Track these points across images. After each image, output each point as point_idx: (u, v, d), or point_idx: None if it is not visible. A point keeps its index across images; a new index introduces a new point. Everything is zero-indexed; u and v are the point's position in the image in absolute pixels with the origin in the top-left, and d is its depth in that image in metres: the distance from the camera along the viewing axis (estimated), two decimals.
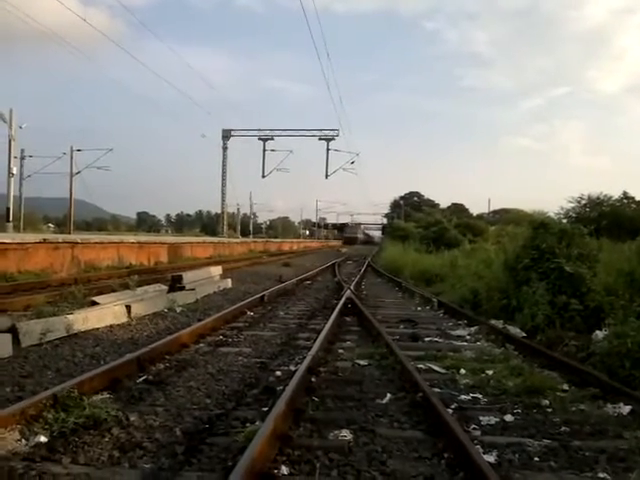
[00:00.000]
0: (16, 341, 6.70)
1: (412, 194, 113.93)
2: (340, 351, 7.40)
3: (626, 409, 4.96)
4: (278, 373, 6.09)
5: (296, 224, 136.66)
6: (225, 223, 55.88)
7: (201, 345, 7.52)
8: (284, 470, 3.54)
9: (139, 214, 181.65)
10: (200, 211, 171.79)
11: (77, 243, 18.82)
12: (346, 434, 4.23)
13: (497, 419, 4.73)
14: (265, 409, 4.65)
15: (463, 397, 5.40)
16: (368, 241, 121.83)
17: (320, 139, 49.92)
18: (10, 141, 34.62)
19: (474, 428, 4.51)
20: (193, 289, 12.56)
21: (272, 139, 51.09)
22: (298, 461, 3.71)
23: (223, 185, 52.87)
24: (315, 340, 7.32)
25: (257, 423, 4.22)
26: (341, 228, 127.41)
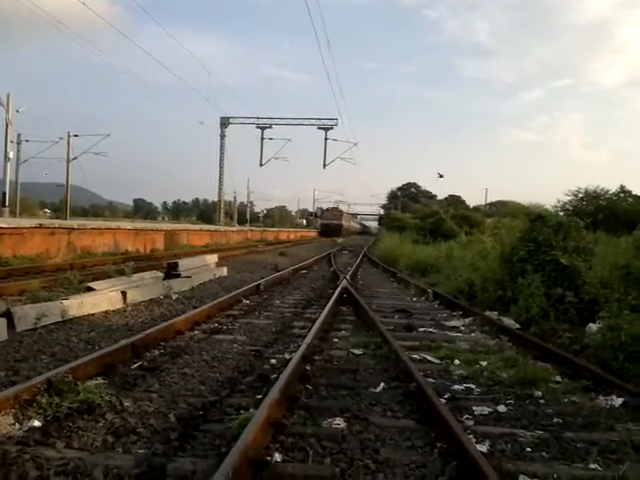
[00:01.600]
0: (11, 325, 6.69)
1: (409, 185, 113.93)
2: (335, 340, 7.42)
3: (618, 401, 4.99)
4: (273, 361, 6.10)
5: (293, 213, 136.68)
6: (222, 211, 55.82)
7: (196, 332, 7.53)
8: (277, 457, 3.56)
9: (136, 201, 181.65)
10: (197, 199, 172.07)
11: (73, 229, 18.77)
12: (339, 422, 4.26)
13: (490, 409, 4.76)
14: (259, 396, 4.67)
15: (457, 387, 5.43)
16: (364, 231, 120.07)
17: (319, 128, 49.82)
18: (7, 125, 34.46)
19: (467, 418, 4.53)
20: (189, 276, 12.54)
21: (270, 127, 50.96)
22: (291, 448, 3.73)
23: (220, 173, 52.80)
24: (310, 329, 7.33)
25: (251, 410, 4.22)
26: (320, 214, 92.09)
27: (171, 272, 12.52)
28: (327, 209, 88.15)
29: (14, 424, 3.85)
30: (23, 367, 5.38)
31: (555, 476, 3.47)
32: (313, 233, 79.03)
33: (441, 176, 52.82)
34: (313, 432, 4.02)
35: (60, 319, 7.46)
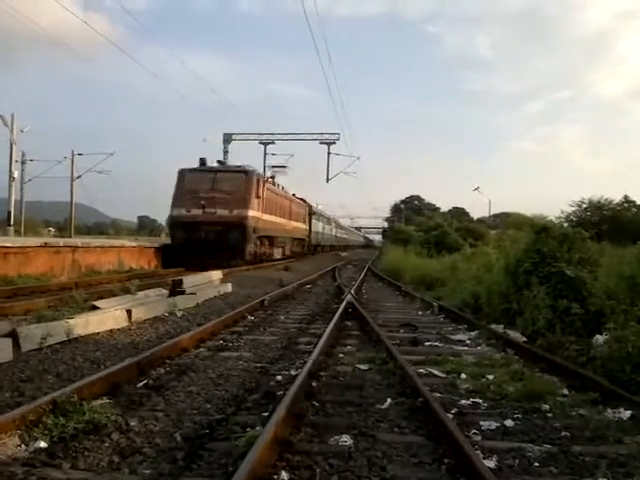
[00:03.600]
0: (16, 345, 6.69)
1: (413, 198, 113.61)
2: (341, 355, 7.40)
3: (627, 414, 4.95)
4: (278, 378, 6.09)
5: None
6: None
7: (201, 350, 7.52)
8: (284, 476, 3.54)
9: (140, 218, 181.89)
10: None
11: (78, 247, 18.84)
12: (346, 439, 4.23)
13: (497, 424, 4.73)
14: (265, 414, 4.65)
15: (463, 402, 5.40)
16: (368, 244, 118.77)
17: (321, 143, 49.85)
18: (11, 145, 34.72)
19: (474, 433, 4.50)
20: (193, 293, 12.55)
21: (273, 143, 51.04)
22: (298, 466, 3.71)
23: None
24: (316, 344, 7.31)
25: (257, 428, 4.22)
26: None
27: (176, 289, 12.53)
28: (199, 167, 26.65)
29: (20, 445, 3.84)
30: (28, 387, 5.38)
31: None
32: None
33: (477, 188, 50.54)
34: (320, 450, 4.00)
35: (65, 338, 7.46)
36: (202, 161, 26.68)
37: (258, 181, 26.53)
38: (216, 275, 16.09)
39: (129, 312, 9.28)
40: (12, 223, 34.18)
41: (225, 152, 51.92)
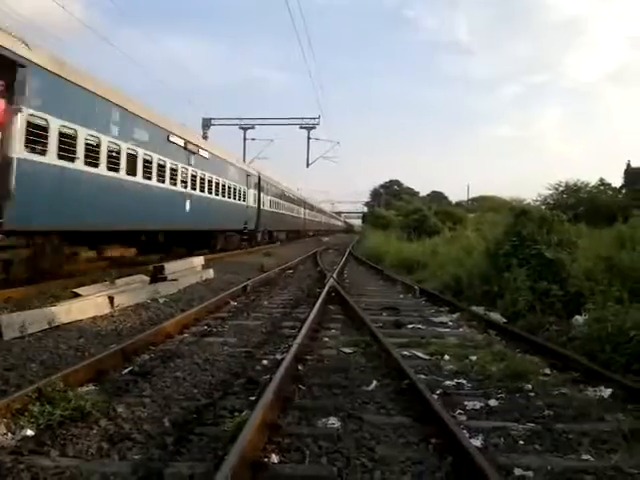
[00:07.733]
0: None
1: (392, 182, 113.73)
2: (325, 339, 7.44)
3: (607, 392, 5.07)
4: (264, 362, 6.11)
5: None
6: None
7: (186, 335, 7.50)
8: (274, 458, 3.57)
9: None
10: None
11: None
12: (334, 421, 4.28)
13: (482, 404, 4.82)
14: (253, 398, 4.68)
15: (448, 383, 5.48)
16: (348, 229, 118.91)
17: (301, 127, 49.61)
18: None
19: (460, 413, 4.58)
20: (176, 279, 12.48)
21: (253, 128, 50.67)
22: (288, 449, 3.74)
23: None
24: (300, 329, 7.33)
25: (245, 412, 4.23)
26: None
27: (157, 275, 12.47)
28: None
29: (7, 434, 3.81)
30: (12, 375, 5.31)
31: (549, 468, 3.52)
32: None
33: None
34: (308, 432, 4.04)
35: (47, 326, 7.38)
36: None
37: None
38: (198, 261, 16.03)
39: (111, 299, 9.20)
40: None
41: (205, 138, 51.52)
